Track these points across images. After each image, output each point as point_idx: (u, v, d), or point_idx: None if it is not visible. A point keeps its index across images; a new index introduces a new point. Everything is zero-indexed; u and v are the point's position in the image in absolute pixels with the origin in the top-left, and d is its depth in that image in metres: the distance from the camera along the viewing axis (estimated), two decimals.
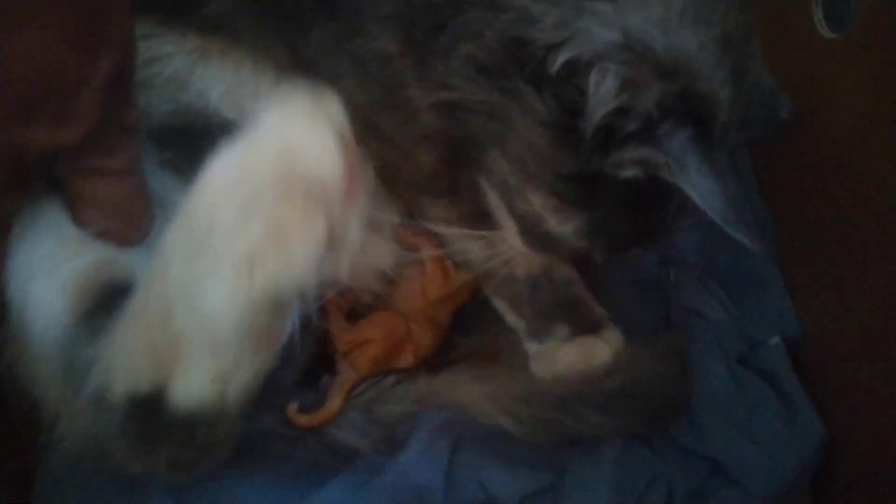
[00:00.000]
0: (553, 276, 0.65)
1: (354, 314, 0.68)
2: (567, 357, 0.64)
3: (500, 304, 0.67)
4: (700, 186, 0.45)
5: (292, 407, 0.59)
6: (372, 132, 0.58)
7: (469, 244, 0.65)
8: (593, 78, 0.46)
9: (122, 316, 0.44)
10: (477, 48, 0.49)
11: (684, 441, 0.62)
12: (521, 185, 0.52)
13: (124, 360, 0.44)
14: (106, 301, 0.46)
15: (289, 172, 0.38)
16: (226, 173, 0.40)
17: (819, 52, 0.67)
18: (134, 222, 0.46)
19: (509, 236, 0.58)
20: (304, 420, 0.59)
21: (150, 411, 0.43)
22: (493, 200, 0.57)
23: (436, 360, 0.68)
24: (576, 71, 0.46)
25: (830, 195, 0.66)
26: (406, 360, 0.66)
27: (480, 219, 0.62)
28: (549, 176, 0.51)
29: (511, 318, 0.67)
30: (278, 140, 0.39)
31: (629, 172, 0.48)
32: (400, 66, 0.52)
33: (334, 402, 0.61)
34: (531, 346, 0.66)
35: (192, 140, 0.53)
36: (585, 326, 0.65)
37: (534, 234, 0.55)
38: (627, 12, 0.46)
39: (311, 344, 0.63)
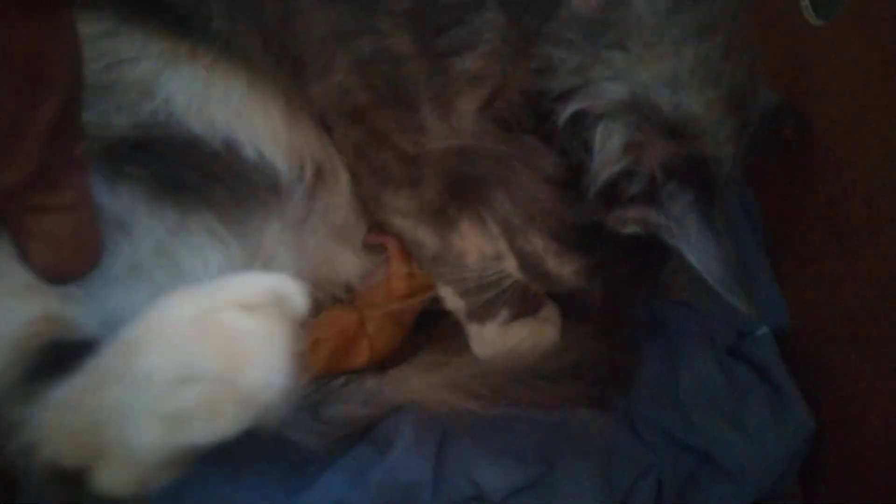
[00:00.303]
0: (503, 262, 0.65)
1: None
2: (514, 339, 0.65)
3: (444, 289, 0.67)
4: (699, 251, 0.46)
5: None
6: (353, 118, 0.58)
7: (424, 237, 0.64)
8: (599, 135, 0.46)
9: (57, 397, 0.43)
10: (496, 96, 0.50)
11: (673, 432, 0.62)
12: (524, 226, 0.53)
13: (52, 434, 0.44)
14: (47, 362, 0.45)
15: (231, 367, 0.39)
16: (175, 328, 0.41)
17: (806, 40, 0.66)
18: (84, 255, 0.45)
19: (509, 267, 0.59)
20: None
21: (72, 482, 0.43)
22: (494, 231, 0.57)
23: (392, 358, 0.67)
24: (583, 125, 0.47)
25: (819, 184, 0.65)
26: (361, 357, 0.65)
27: (439, 210, 0.62)
28: (552, 224, 0.52)
29: (453, 302, 0.67)
30: (230, 333, 0.40)
31: (630, 229, 0.49)
32: (414, 70, 0.52)
33: None
34: (472, 328, 0.67)
35: (155, 154, 0.52)
36: (526, 308, 0.66)
37: (534, 271, 0.56)
38: (638, 65, 0.46)
39: None
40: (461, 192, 0.57)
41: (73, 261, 0.44)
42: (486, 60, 0.50)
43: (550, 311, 0.67)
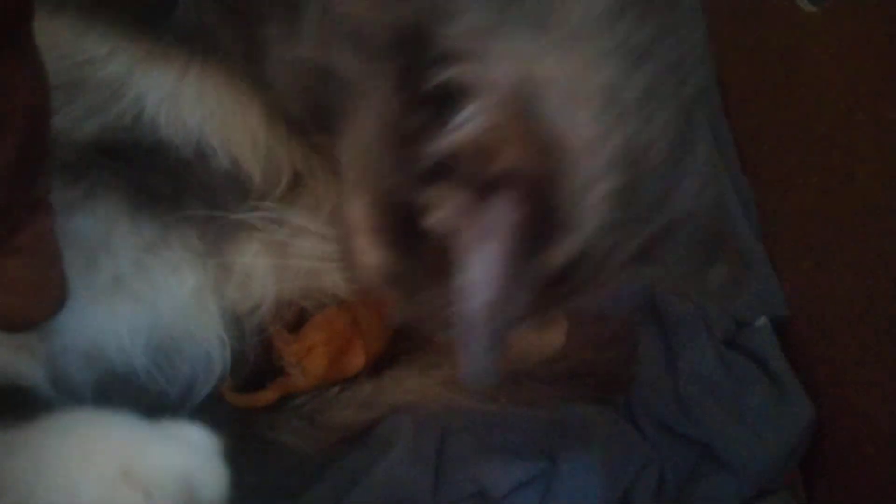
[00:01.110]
0: None
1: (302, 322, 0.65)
2: (520, 344, 0.63)
3: None
4: (477, 279, 0.38)
5: (228, 383, 0.58)
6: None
7: None
8: (464, 112, 0.39)
9: None
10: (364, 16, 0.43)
11: (674, 425, 0.62)
12: (354, 183, 0.47)
13: None
14: None
15: None
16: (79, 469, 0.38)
17: (799, 27, 0.66)
18: (44, 300, 0.42)
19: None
20: (234, 398, 0.59)
21: None
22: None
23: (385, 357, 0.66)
24: (452, 92, 0.39)
25: (813, 172, 0.65)
26: (358, 359, 0.64)
27: None
28: (379, 191, 0.45)
29: None
30: None
31: (432, 218, 0.41)
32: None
33: (269, 393, 0.60)
34: None
35: (127, 161, 0.50)
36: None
37: (340, 246, 0.50)
38: (542, 56, 0.39)
39: (249, 360, 0.60)
40: (319, 120, 0.50)
41: (31, 307, 0.42)
42: None
43: (556, 315, 0.66)
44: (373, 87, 0.42)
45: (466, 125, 0.38)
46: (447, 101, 0.39)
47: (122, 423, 0.40)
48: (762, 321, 0.67)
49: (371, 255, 0.45)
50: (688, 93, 0.42)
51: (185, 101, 0.50)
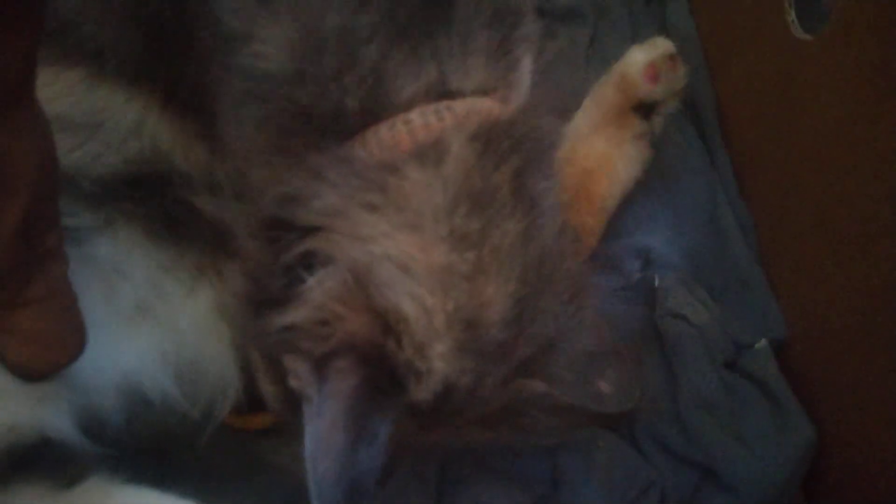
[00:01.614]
0: None
1: None
2: None
3: None
4: (320, 445, 0.43)
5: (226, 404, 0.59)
6: None
7: None
8: (314, 279, 0.46)
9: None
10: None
11: (675, 447, 0.62)
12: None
13: None
14: (7, 469, 0.44)
15: None
16: None
17: (794, 53, 0.67)
18: (62, 347, 0.43)
19: None
20: (233, 420, 0.59)
21: None
22: None
23: None
24: (305, 262, 0.46)
25: (810, 195, 0.66)
26: None
27: None
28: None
29: None
30: None
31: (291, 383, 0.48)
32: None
33: (267, 417, 0.60)
34: None
35: (148, 191, 0.53)
36: None
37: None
38: (383, 238, 0.46)
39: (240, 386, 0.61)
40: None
41: (50, 355, 0.43)
42: None
43: None
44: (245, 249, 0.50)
45: (308, 294, 0.45)
46: (300, 271, 0.46)
47: None
48: (762, 343, 0.67)
49: (267, 387, 0.52)
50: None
51: (193, 144, 0.53)
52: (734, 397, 0.64)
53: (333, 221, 0.46)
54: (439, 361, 0.46)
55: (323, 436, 0.43)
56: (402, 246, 0.45)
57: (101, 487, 0.44)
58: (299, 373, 0.46)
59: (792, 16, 0.67)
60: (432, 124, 0.48)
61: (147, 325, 0.53)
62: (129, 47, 0.52)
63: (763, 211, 0.74)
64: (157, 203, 0.53)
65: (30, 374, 0.44)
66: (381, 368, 0.45)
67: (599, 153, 0.71)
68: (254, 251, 0.49)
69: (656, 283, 0.72)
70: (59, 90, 0.50)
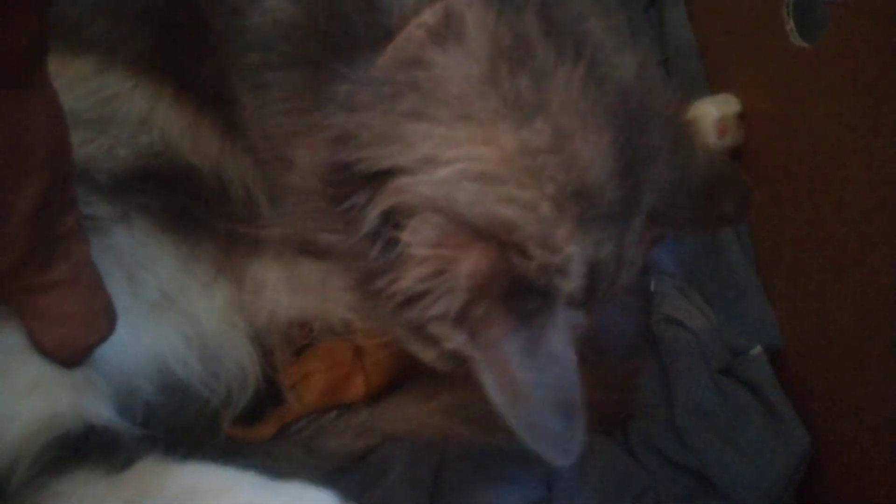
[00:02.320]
0: None
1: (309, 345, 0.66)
2: None
3: None
4: (506, 393, 0.41)
5: (225, 415, 0.60)
6: None
7: None
8: (405, 238, 0.42)
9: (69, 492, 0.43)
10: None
11: (670, 453, 0.62)
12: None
13: None
14: (53, 458, 0.44)
15: None
16: None
17: (792, 61, 0.67)
18: (92, 327, 0.44)
19: None
20: (233, 431, 0.60)
21: None
22: None
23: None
24: (389, 221, 0.43)
25: (806, 202, 0.66)
26: (357, 390, 0.64)
27: None
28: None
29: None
30: None
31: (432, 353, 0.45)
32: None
33: (268, 427, 0.61)
34: None
35: (163, 183, 0.53)
36: None
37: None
38: (442, 146, 0.41)
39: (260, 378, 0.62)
40: None
41: (81, 336, 0.43)
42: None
43: None
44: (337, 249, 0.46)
45: (409, 251, 0.41)
46: (390, 234, 0.42)
47: (246, 483, 0.42)
48: (757, 350, 0.68)
49: (427, 353, 0.47)
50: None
51: (202, 136, 0.53)
52: (729, 403, 0.64)
53: (387, 150, 0.42)
54: (570, 245, 0.41)
55: (503, 383, 0.41)
56: (466, 151, 0.41)
57: (157, 466, 0.43)
58: (447, 335, 0.43)
59: (790, 24, 0.67)
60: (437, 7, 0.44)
61: (171, 313, 0.54)
62: (139, 39, 0.52)
63: (759, 217, 0.74)
64: (170, 197, 0.53)
65: (65, 358, 0.44)
66: (519, 289, 0.41)
67: None
68: (336, 242, 0.45)
69: (652, 288, 0.72)
70: (69, 81, 0.50)
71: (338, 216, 0.44)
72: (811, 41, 0.65)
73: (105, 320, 0.44)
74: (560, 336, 0.42)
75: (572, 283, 0.42)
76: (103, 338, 0.44)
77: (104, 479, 0.42)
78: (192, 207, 0.55)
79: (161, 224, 0.53)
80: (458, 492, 0.60)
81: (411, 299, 0.42)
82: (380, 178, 0.42)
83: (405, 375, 0.67)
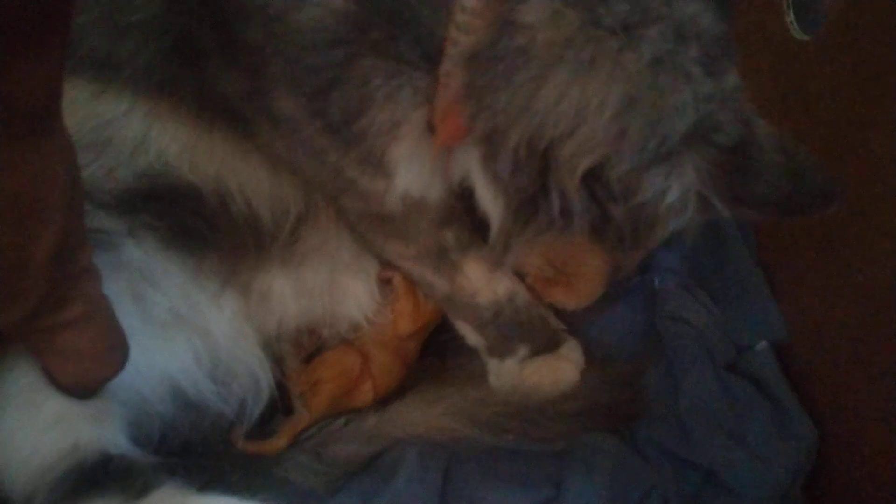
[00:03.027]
0: (516, 300, 0.66)
1: (318, 352, 0.67)
2: (534, 377, 0.65)
3: (463, 326, 0.68)
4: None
5: (238, 431, 0.60)
6: (301, 176, 0.59)
7: (433, 279, 0.65)
8: (646, 189, 0.46)
9: None
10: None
11: (677, 451, 0.63)
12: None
13: None
14: (73, 485, 0.45)
15: None
16: None
17: (795, 58, 0.67)
18: (106, 361, 0.44)
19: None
20: (247, 446, 0.60)
21: None
22: None
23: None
24: (597, 179, 0.46)
25: None
26: (365, 396, 0.65)
27: (439, 254, 0.63)
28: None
29: (473, 338, 0.68)
30: None
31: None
32: (310, 132, 0.52)
33: (281, 440, 0.61)
34: (492, 363, 0.67)
35: (164, 202, 0.54)
36: (546, 344, 0.66)
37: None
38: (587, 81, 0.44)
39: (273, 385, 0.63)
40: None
41: (96, 370, 0.44)
42: (391, 109, 0.49)
43: (572, 350, 0.67)
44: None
45: (666, 196, 0.47)
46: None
47: None
48: (763, 345, 0.68)
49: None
50: None
51: (201, 152, 0.54)
52: (735, 400, 0.64)
53: (535, 126, 0.45)
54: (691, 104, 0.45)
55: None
56: (602, 90, 0.44)
57: (175, 495, 0.45)
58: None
59: (791, 17, 0.67)
60: None
61: (180, 331, 0.55)
62: (137, 58, 0.52)
63: None
64: (173, 215, 0.54)
65: (81, 392, 0.45)
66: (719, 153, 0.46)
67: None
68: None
69: (656, 285, 0.72)
70: (66, 105, 0.50)
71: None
72: (811, 34, 0.65)
73: (118, 354, 0.45)
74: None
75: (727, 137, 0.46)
76: (117, 371, 0.45)
77: None
78: (194, 224, 0.55)
79: (166, 240, 0.54)
80: (468, 492, 0.60)
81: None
82: (548, 154, 0.45)
83: (412, 379, 0.67)
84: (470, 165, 0.52)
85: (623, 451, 0.63)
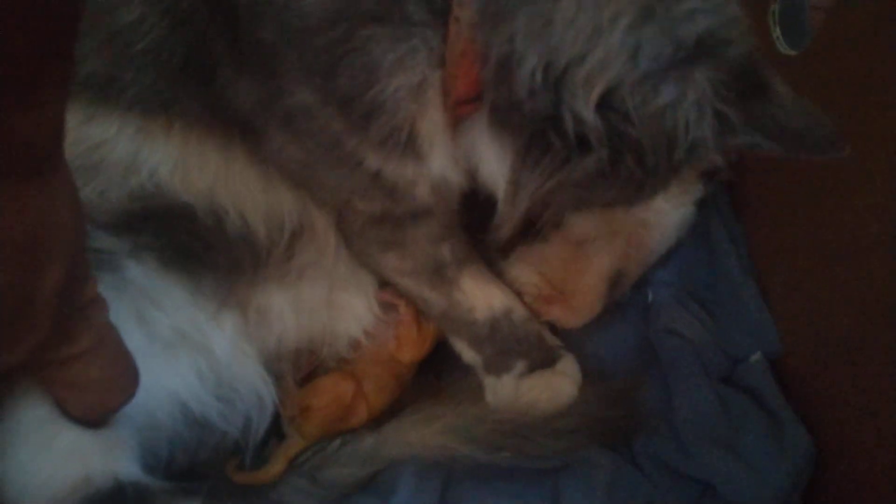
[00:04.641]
0: (512, 316, 0.66)
1: (314, 375, 0.67)
2: (531, 393, 0.65)
3: (459, 343, 0.68)
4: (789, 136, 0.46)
5: (231, 463, 0.61)
6: (310, 182, 0.59)
7: (429, 295, 0.65)
8: (645, 108, 0.45)
9: None
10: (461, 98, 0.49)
11: (674, 464, 0.63)
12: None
13: None
14: None
15: None
16: None
17: (779, 69, 0.67)
18: (116, 390, 0.45)
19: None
20: (241, 477, 0.60)
21: None
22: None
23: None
24: (609, 106, 0.45)
25: (801, 208, 0.66)
26: (359, 418, 0.65)
27: (435, 270, 0.63)
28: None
29: (469, 355, 0.68)
30: None
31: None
32: (327, 119, 0.52)
33: (275, 467, 0.61)
34: (488, 380, 0.67)
35: (159, 223, 0.54)
36: (542, 360, 0.66)
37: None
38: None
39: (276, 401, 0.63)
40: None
41: (108, 399, 0.44)
42: (406, 74, 0.48)
43: (568, 364, 0.67)
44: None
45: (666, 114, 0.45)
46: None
47: None
48: (757, 357, 0.68)
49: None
50: None
51: (193, 169, 0.54)
52: (730, 412, 0.64)
53: (552, 48, 0.44)
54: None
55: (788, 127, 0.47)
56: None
57: None
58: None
59: (777, 32, 0.68)
60: None
61: (183, 350, 0.55)
62: (128, 76, 0.52)
63: (755, 224, 0.74)
64: (168, 236, 0.54)
65: (94, 421, 0.46)
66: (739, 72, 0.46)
67: (658, 207, 0.71)
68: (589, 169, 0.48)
69: (650, 299, 0.73)
70: None
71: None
72: (797, 49, 0.65)
73: (129, 380, 0.45)
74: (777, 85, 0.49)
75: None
76: (129, 398, 0.45)
77: None
78: (190, 243, 0.55)
79: (164, 261, 0.54)
80: None
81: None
82: (563, 79, 0.45)
83: (407, 397, 0.67)
84: (475, 136, 0.51)
85: (620, 465, 0.63)
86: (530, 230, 0.70)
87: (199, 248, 0.56)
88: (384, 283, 0.67)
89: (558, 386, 0.65)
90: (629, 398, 0.65)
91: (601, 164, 0.47)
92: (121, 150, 0.53)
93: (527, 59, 0.45)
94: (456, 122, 0.51)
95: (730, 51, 0.45)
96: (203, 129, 0.55)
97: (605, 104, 0.45)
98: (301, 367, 0.65)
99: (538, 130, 0.47)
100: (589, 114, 0.45)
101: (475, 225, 0.65)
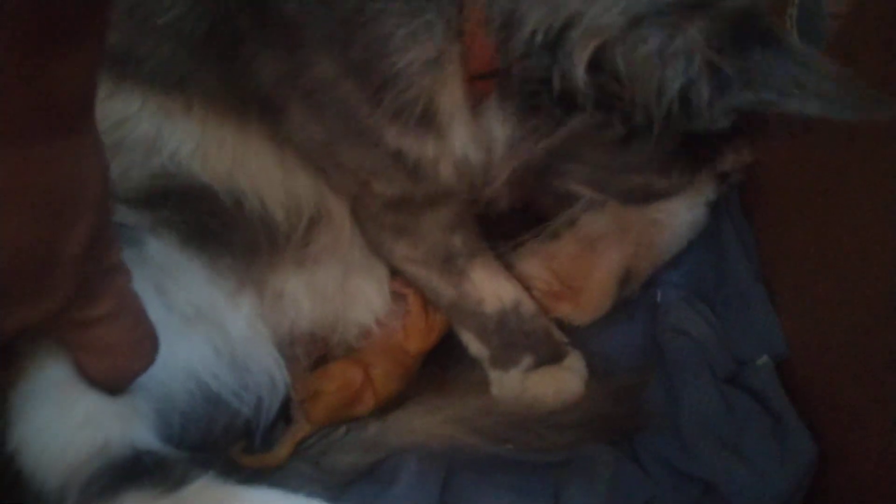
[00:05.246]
0: (521, 309, 0.67)
1: (323, 360, 0.68)
2: (537, 388, 0.65)
3: (466, 335, 0.68)
4: (812, 99, 0.42)
5: (237, 447, 0.61)
6: (330, 162, 0.59)
7: (438, 285, 0.65)
8: (635, 62, 0.43)
9: None
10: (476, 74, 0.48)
11: (676, 463, 0.63)
12: (611, 179, 0.52)
13: None
14: (105, 484, 0.46)
15: None
16: None
17: None
18: (137, 355, 0.45)
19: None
20: (248, 461, 0.61)
21: None
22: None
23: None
24: (600, 63, 0.44)
25: (810, 211, 0.66)
26: (365, 405, 0.65)
27: (446, 259, 0.63)
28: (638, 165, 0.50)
29: (476, 347, 0.68)
30: None
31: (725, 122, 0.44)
32: (344, 91, 0.51)
33: (282, 450, 0.62)
34: (494, 373, 0.67)
35: (180, 202, 0.55)
36: (550, 356, 0.66)
37: (645, 201, 0.55)
38: None
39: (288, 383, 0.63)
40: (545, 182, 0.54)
41: (128, 364, 0.45)
42: (420, 48, 0.48)
43: (575, 361, 0.67)
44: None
45: (647, 67, 0.43)
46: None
47: None
48: (764, 359, 0.67)
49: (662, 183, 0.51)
50: None
51: (212, 151, 0.54)
52: (735, 414, 0.64)
53: (550, 8, 0.44)
54: None
55: (809, 93, 0.43)
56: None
57: (214, 488, 0.46)
58: (736, 106, 0.44)
59: (794, 34, 0.68)
60: None
61: (201, 326, 0.55)
62: (151, 52, 0.52)
63: (764, 227, 0.74)
64: (189, 213, 0.55)
65: (114, 385, 0.46)
66: (743, 22, 0.43)
67: (670, 208, 0.71)
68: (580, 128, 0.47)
69: (658, 298, 0.73)
70: None
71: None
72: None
73: (149, 347, 0.45)
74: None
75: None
76: (148, 364, 0.45)
77: (160, 497, 0.45)
78: (210, 222, 0.56)
79: (184, 238, 0.54)
80: (466, 501, 0.61)
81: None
82: (561, 39, 0.44)
83: (413, 388, 0.68)
84: (492, 115, 0.50)
85: (622, 462, 0.63)
86: (541, 226, 0.70)
87: (219, 227, 0.56)
88: (394, 273, 0.68)
89: (565, 382, 0.65)
90: (634, 396, 0.65)
91: (587, 125, 0.46)
92: (142, 128, 0.54)
93: (528, 19, 0.45)
94: (477, 99, 0.50)
95: (729, 2, 0.43)
96: (221, 109, 0.55)
97: (596, 64, 0.44)
98: (311, 353, 0.66)
99: (533, 92, 0.47)
100: (579, 73, 0.44)
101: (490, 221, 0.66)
